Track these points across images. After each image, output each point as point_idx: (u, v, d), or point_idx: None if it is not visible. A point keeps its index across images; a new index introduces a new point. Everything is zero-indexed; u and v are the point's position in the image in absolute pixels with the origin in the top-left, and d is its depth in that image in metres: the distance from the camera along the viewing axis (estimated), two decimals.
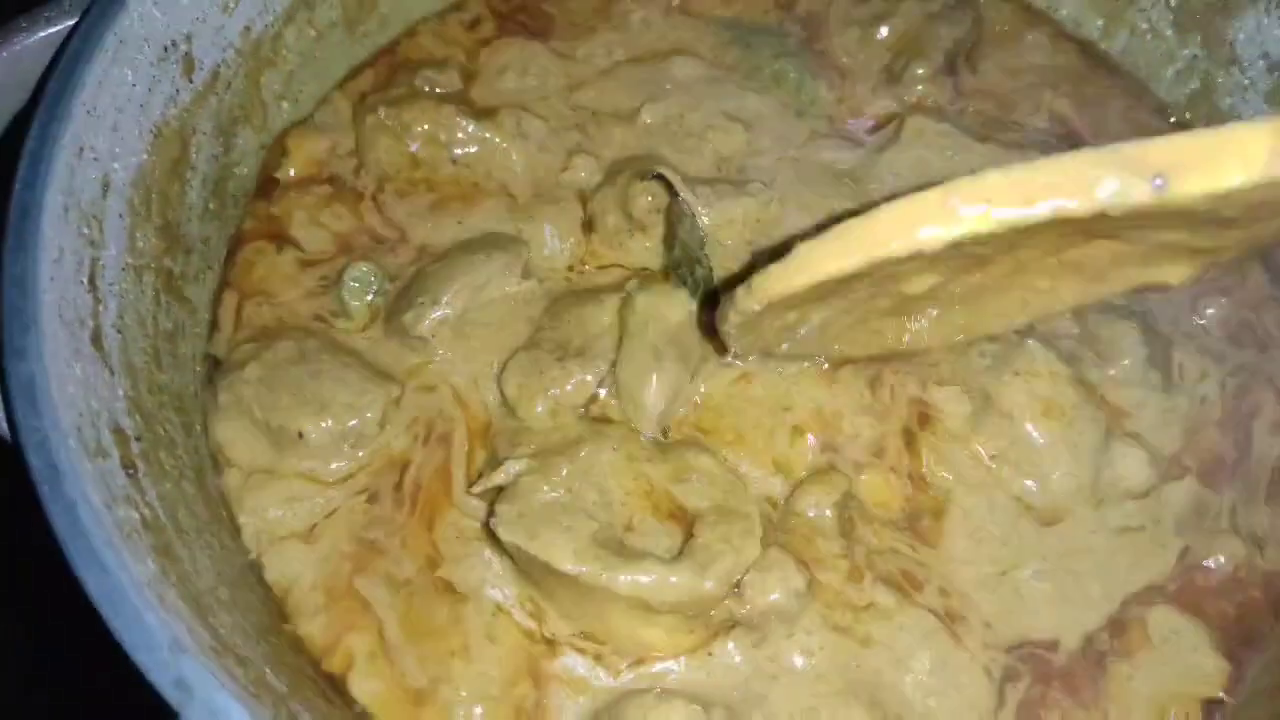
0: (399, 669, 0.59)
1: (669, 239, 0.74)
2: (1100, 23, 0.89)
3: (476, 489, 0.63)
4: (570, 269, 0.75)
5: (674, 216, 0.73)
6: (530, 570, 0.60)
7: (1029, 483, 0.65)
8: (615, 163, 0.78)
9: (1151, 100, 0.87)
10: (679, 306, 0.67)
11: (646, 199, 0.74)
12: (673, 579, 0.56)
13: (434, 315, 0.70)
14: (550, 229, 0.75)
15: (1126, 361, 0.69)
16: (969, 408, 0.66)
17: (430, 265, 0.73)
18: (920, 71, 0.83)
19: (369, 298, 0.72)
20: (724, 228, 0.73)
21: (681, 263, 0.72)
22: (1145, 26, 0.87)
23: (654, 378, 0.65)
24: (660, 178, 0.73)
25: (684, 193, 0.71)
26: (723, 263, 0.72)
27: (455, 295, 0.70)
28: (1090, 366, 0.68)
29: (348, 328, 0.72)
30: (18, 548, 0.58)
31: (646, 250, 0.75)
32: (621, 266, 0.75)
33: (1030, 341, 0.67)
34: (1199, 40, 0.83)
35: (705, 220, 0.72)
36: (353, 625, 0.60)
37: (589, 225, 0.76)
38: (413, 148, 0.78)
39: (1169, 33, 0.85)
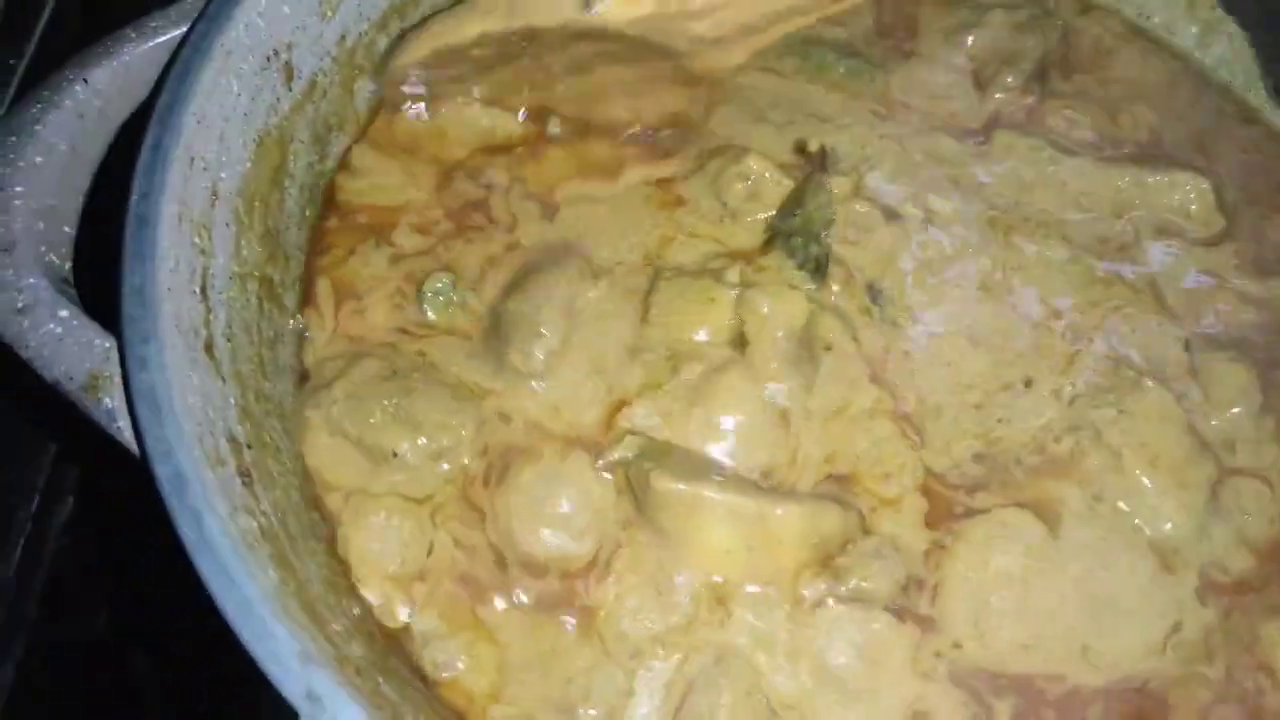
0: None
1: (790, 207, 0.73)
2: (1195, 30, 0.87)
3: (602, 462, 0.64)
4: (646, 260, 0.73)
5: (809, 187, 0.72)
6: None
7: (1138, 521, 0.64)
8: (703, 151, 0.78)
9: (1246, 110, 0.85)
10: (799, 307, 0.67)
11: (742, 185, 0.74)
12: None
13: (541, 351, 0.68)
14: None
15: (1237, 410, 0.67)
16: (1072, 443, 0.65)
17: (507, 301, 0.71)
18: (1009, 80, 0.82)
19: (449, 310, 0.72)
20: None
21: (797, 233, 0.71)
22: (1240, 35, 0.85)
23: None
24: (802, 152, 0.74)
25: (829, 169, 0.71)
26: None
27: (550, 324, 0.68)
28: (1199, 411, 0.66)
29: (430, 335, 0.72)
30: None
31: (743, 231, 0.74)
32: (716, 240, 0.74)
33: (1148, 382, 0.65)
34: None
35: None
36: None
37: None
38: None
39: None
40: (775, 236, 0.73)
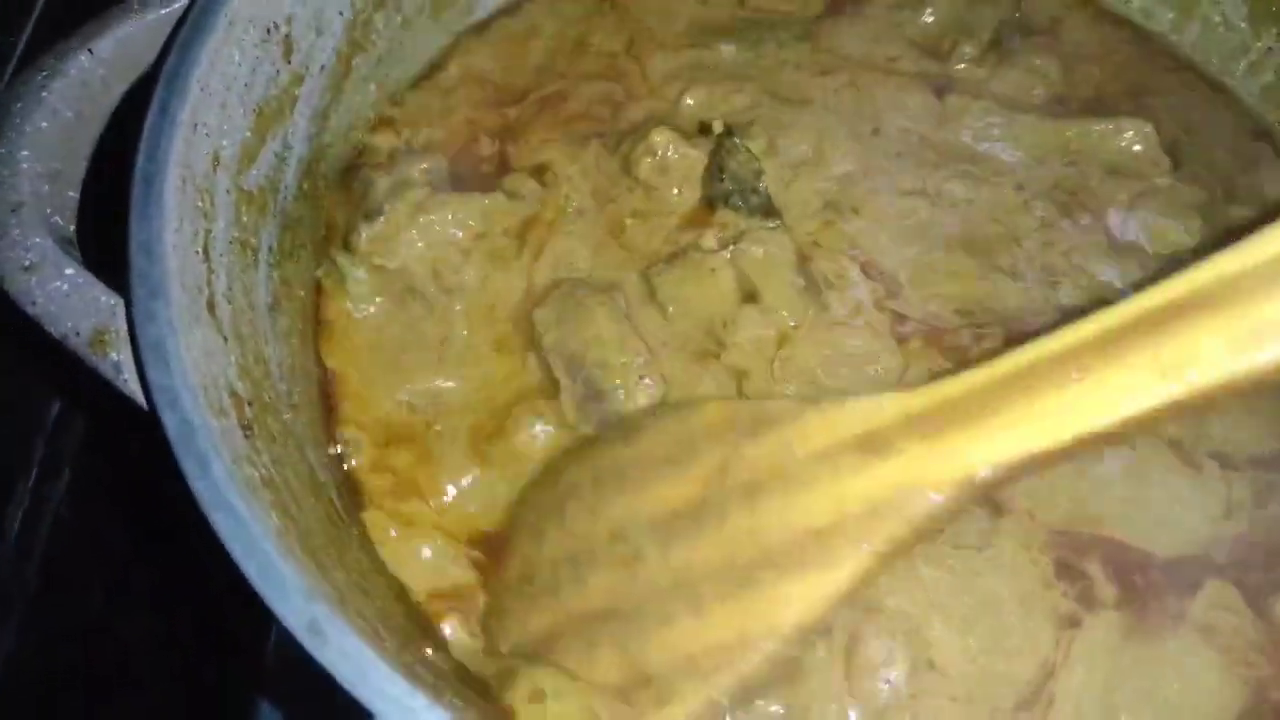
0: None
1: (714, 175, 0.75)
2: (1171, 16, 0.90)
3: None
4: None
5: (721, 155, 0.74)
6: None
7: None
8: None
9: (1226, 98, 0.87)
10: (785, 240, 0.69)
11: (648, 160, 0.76)
12: None
13: (637, 389, 0.66)
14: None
15: None
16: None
17: (558, 352, 0.69)
18: (968, 50, 0.85)
19: None
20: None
21: (733, 193, 0.74)
22: (1218, 19, 0.88)
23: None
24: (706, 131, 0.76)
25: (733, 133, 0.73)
26: None
27: (627, 359, 0.67)
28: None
29: None
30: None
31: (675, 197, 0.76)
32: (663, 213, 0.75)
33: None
34: (1276, 33, 0.83)
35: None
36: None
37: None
38: None
39: (1243, 25, 0.86)
40: (714, 202, 0.75)
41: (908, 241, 0.73)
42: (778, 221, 0.73)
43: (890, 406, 0.52)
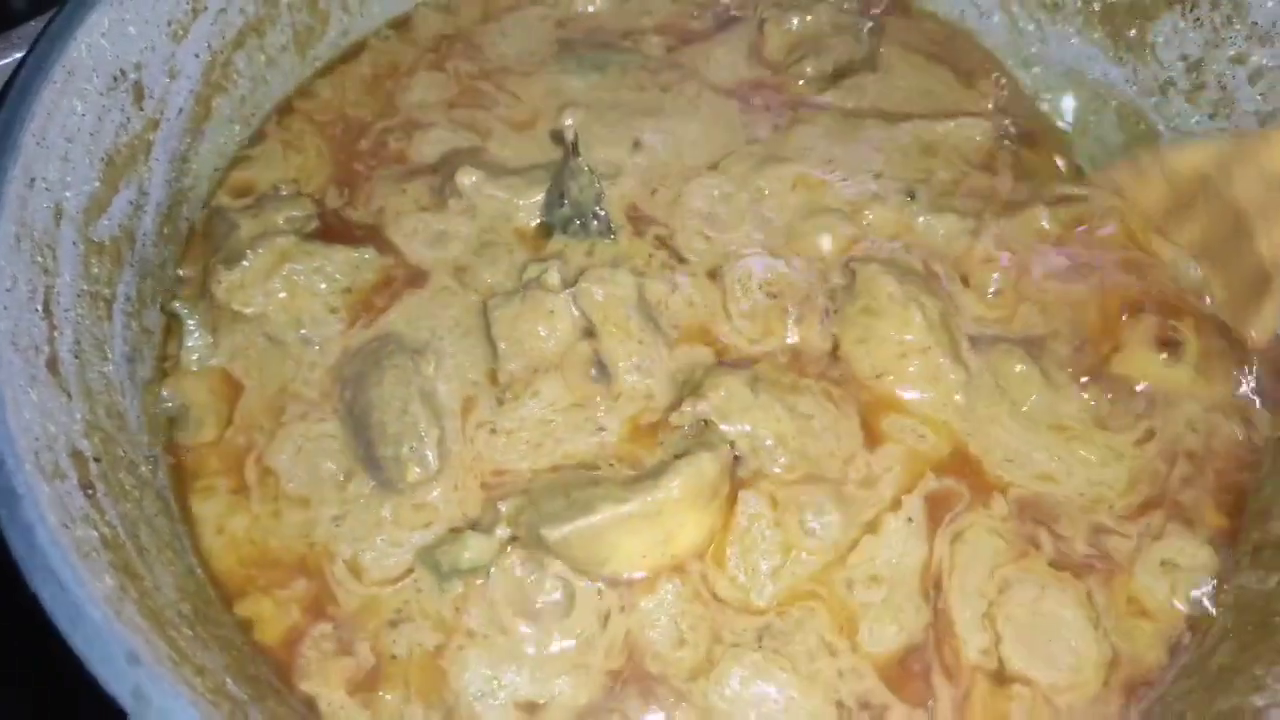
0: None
1: (554, 197, 0.76)
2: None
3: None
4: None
5: (566, 176, 0.75)
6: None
7: None
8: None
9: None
10: (627, 281, 0.71)
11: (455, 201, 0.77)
12: None
13: (408, 463, 0.66)
14: None
15: None
16: None
17: (348, 410, 0.68)
18: (809, 69, 0.88)
19: None
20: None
21: (574, 218, 0.76)
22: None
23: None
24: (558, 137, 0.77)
25: (579, 152, 0.74)
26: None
27: (404, 429, 0.66)
28: None
29: None
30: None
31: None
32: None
33: None
34: None
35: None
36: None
37: None
38: None
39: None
40: (552, 230, 0.76)
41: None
42: (614, 239, 0.76)
43: None
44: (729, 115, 0.84)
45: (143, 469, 0.65)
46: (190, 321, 0.71)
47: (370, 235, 0.77)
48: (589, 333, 0.69)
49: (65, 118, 0.65)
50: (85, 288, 0.66)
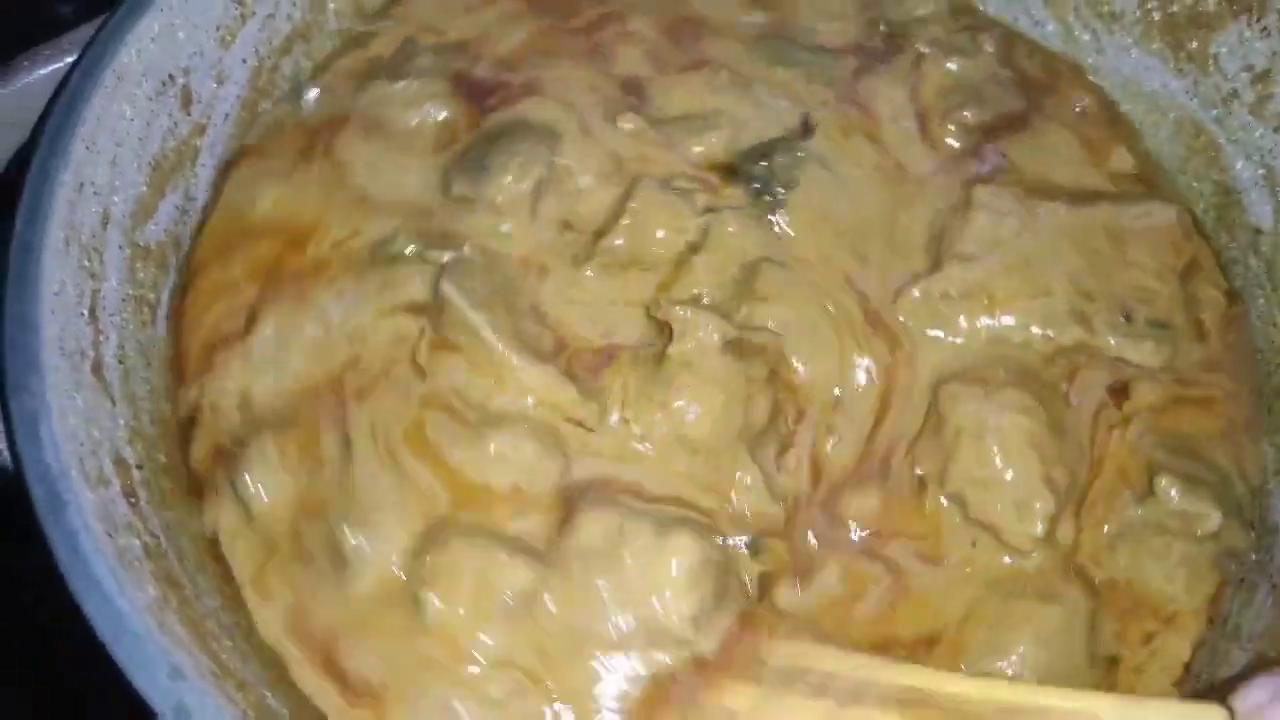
0: None
1: (757, 152, 0.75)
2: None
3: None
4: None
5: (782, 146, 0.74)
6: None
7: None
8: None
9: None
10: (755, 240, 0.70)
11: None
12: None
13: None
14: None
15: None
16: None
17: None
18: (968, 117, 0.80)
19: None
20: None
21: (757, 179, 0.74)
22: None
23: None
24: None
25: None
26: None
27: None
28: None
29: None
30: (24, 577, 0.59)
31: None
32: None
33: None
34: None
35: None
36: None
37: None
38: None
39: None
40: (738, 173, 0.74)
41: None
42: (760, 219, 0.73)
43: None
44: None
45: (183, 477, 0.65)
46: None
47: None
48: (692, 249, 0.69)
49: (114, 122, 0.65)
50: (130, 292, 0.66)
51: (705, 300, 0.69)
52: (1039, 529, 0.63)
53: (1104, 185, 0.79)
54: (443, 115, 0.76)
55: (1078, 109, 0.84)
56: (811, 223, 0.73)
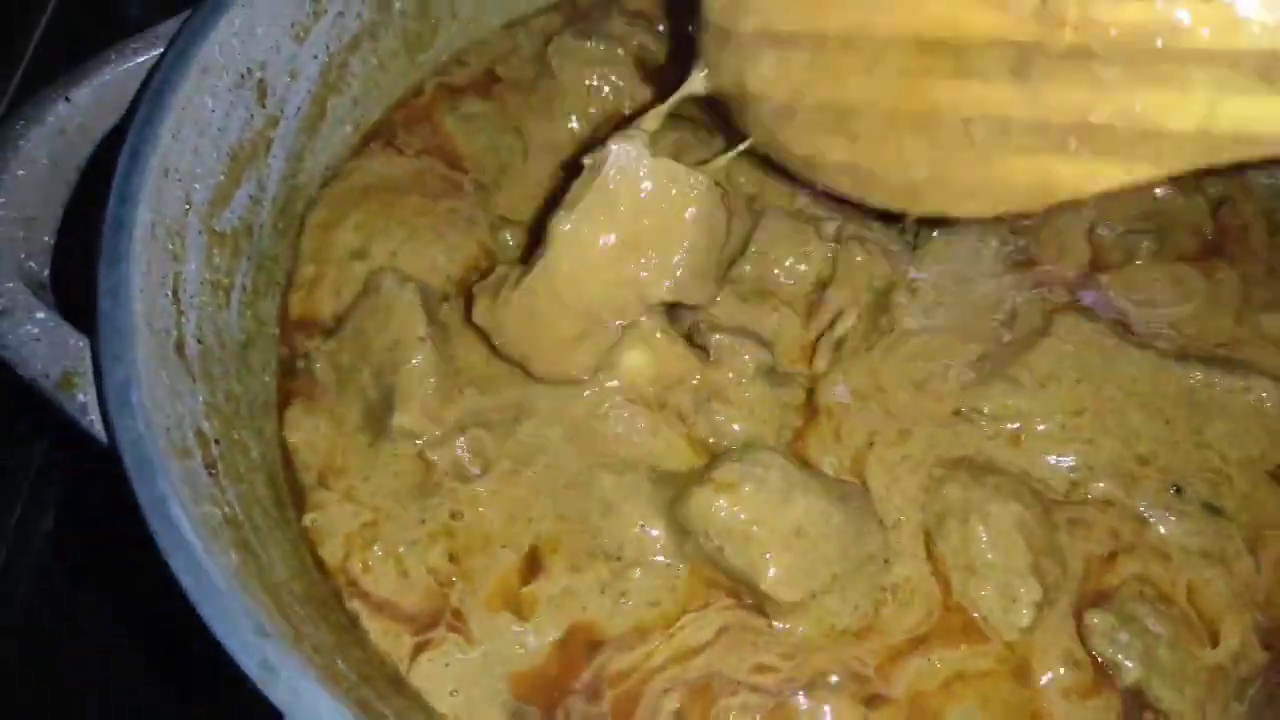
0: None
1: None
2: None
3: None
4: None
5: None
6: None
7: None
8: None
9: None
10: (884, 269, 0.73)
11: None
12: None
13: None
14: None
15: None
16: None
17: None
18: (1145, 246, 0.75)
19: None
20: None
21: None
22: None
23: None
24: None
25: None
26: None
27: None
28: None
29: None
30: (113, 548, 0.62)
31: None
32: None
33: None
34: None
35: None
36: None
37: None
38: None
39: None
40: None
41: None
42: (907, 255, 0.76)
43: None
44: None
45: (254, 453, 0.67)
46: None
47: None
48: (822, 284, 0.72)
49: (198, 112, 0.68)
50: (208, 276, 0.69)
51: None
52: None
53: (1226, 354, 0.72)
54: None
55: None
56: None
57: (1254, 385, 0.69)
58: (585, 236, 0.63)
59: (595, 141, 0.69)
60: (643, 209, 0.62)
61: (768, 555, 0.60)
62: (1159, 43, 0.45)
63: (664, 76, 0.85)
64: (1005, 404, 0.69)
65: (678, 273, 0.64)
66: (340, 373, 0.71)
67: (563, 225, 0.63)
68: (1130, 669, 0.61)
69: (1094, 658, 0.61)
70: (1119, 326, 0.71)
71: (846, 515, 0.62)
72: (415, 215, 0.79)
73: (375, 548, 0.65)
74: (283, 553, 0.62)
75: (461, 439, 0.67)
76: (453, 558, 0.65)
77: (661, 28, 0.90)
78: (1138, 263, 0.74)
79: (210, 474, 0.59)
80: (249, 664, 0.47)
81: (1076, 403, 0.68)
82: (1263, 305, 0.74)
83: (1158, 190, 0.76)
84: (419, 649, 0.62)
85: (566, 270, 0.63)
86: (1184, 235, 0.76)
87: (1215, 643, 0.62)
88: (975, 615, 0.63)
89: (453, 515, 0.66)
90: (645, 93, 0.86)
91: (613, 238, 0.63)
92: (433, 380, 0.68)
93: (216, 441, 0.62)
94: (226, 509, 0.58)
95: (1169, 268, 0.74)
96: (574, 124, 0.86)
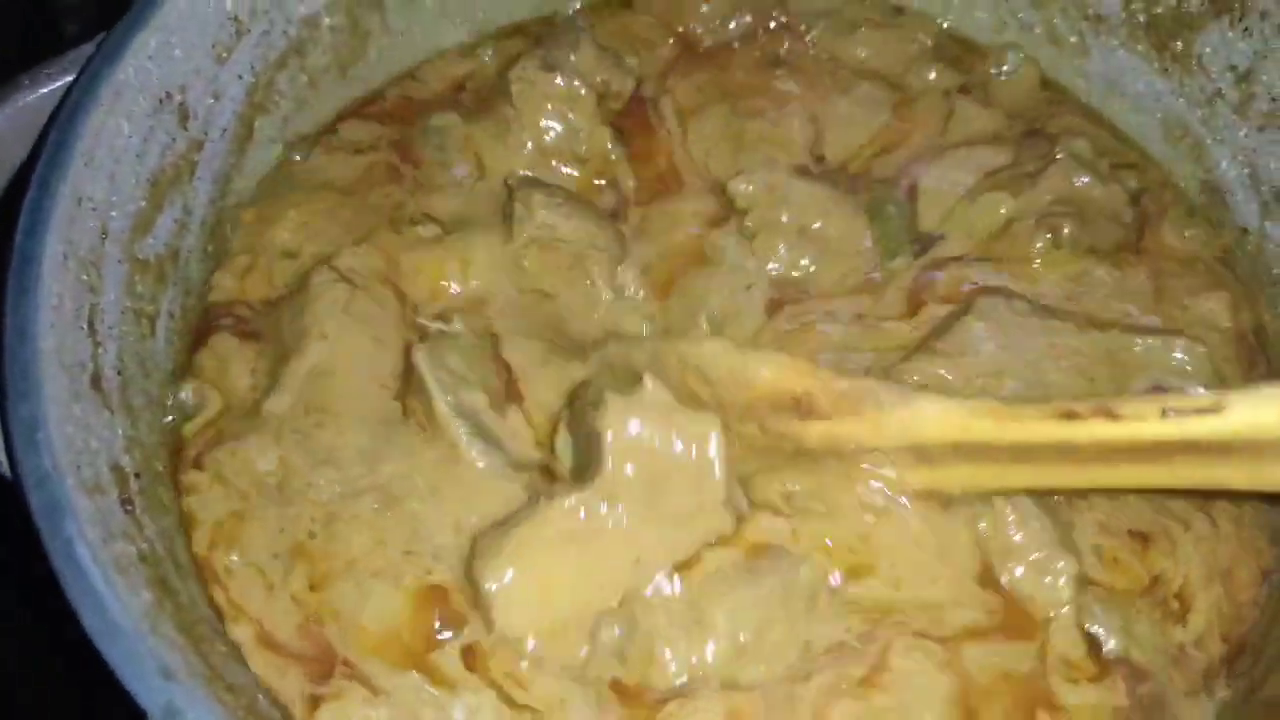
0: None
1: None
2: None
3: None
4: None
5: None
6: None
7: None
8: None
9: None
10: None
11: None
12: None
13: None
14: None
15: None
16: None
17: None
18: (1066, 231, 0.77)
19: None
20: None
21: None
22: None
23: None
24: None
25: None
26: None
27: None
28: None
29: None
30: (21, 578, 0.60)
31: None
32: None
33: None
34: None
35: None
36: None
37: None
38: None
39: None
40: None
41: None
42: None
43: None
44: None
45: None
46: None
47: None
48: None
49: (112, 138, 0.66)
50: (129, 305, 0.67)
51: None
52: None
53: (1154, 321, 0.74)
54: None
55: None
56: None
57: (1174, 344, 0.70)
58: None
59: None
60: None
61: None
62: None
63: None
64: (924, 370, 0.69)
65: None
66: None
67: None
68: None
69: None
70: (1038, 306, 0.72)
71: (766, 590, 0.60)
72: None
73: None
74: (204, 592, 0.61)
75: None
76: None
77: (632, 61, 0.88)
78: (1056, 250, 0.76)
79: (126, 510, 0.57)
80: (153, 708, 0.46)
81: (995, 365, 0.68)
82: (1186, 292, 0.76)
83: (1076, 180, 0.78)
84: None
85: None
86: (1103, 222, 0.77)
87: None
88: None
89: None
90: (603, 135, 0.83)
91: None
92: None
93: (137, 475, 0.61)
94: (143, 545, 0.57)
95: (1081, 261, 0.76)
96: (528, 149, 0.83)
